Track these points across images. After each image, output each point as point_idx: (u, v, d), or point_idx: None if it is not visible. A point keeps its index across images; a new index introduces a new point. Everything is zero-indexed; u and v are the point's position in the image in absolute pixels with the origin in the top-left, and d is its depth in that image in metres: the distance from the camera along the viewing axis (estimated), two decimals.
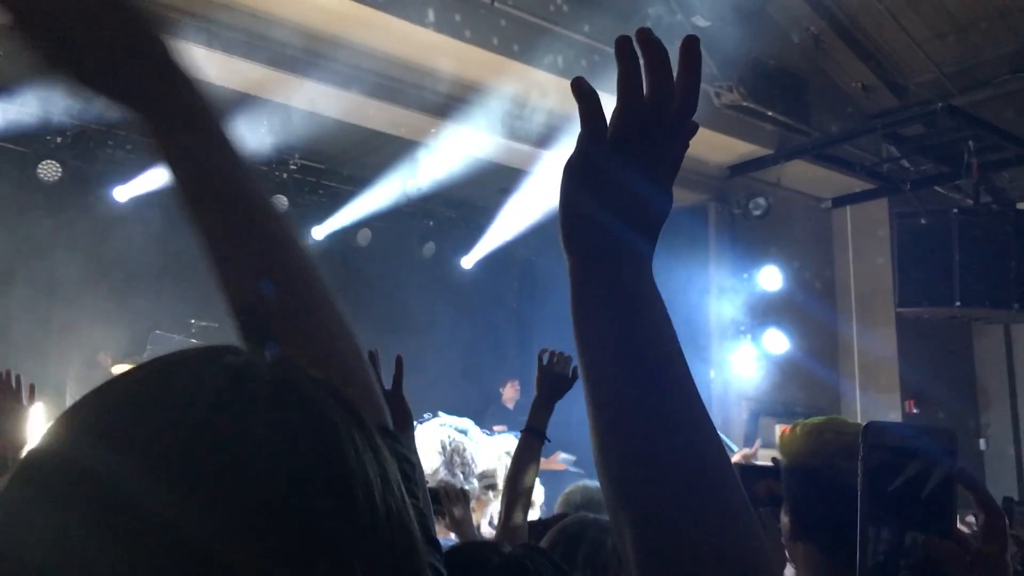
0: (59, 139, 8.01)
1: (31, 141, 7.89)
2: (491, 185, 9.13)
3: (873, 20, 8.50)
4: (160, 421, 0.54)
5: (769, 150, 9.05)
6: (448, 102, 7.45)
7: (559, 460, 8.06)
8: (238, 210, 0.89)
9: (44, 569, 0.50)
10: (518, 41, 7.20)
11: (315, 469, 0.55)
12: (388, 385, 2.30)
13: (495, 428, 7.57)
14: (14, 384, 2.62)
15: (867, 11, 8.39)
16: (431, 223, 10.36)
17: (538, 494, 3.52)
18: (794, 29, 8.61)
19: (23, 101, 7.38)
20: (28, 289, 7.91)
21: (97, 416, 0.56)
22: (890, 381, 9.80)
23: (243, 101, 7.09)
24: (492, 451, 3.76)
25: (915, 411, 9.53)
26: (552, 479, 6.82)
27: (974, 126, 8.33)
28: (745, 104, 8.36)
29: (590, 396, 0.81)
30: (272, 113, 7.45)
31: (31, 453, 0.56)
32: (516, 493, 2.73)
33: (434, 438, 3.48)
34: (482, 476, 3.58)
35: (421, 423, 3.92)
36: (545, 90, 7.31)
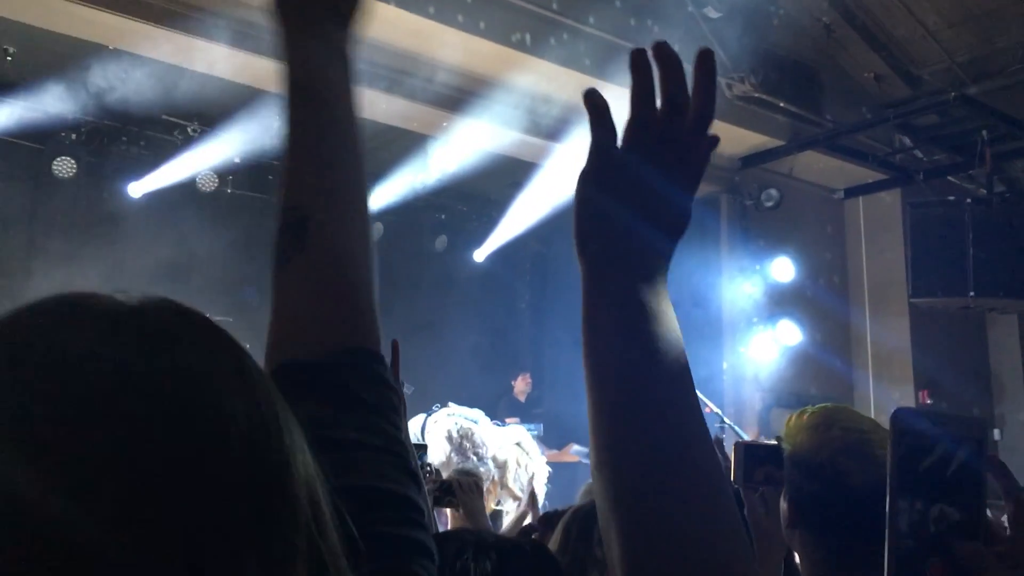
0: (73, 136, 8.05)
1: (46, 138, 7.93)
2: (503, 178, 9.13)
3: (885, 10, 8.46)
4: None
5: (781, 141, 9.02)
6: (459, 95, 7.45)
7: (572, 452, 8.07)
8: (339, 123, 0.99)
9: None
10: (528, 33, 7.20)
11: (172, 420, 0.51)
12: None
13: (507, 420, 7.59)
14: None
15: (879, 0, 8.35)
16: (443, 216, 10.37)
17: (539, 486, 3.53)
18: (806, 19, 8.57)
19: (37, 98, 7.42)
20: (44, 285, 7.96)
21: None
22: (903, 372, 9.77)
23: (254, 95, 7.11)
24: (503, 441, 3.78)
25: (928, 402, 9.50)
26: (565, 471, 6.84)
27: (987, 115, 8.28)
28: (757, 95, 8.33)
29: (592, 399, 0.81)
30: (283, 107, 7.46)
31: None
32: None
33: (442, 427, 3.49)
34: (492, 461, 3.60)
35: (431, 414, 3.94)
36: (556, 83, 7.30)
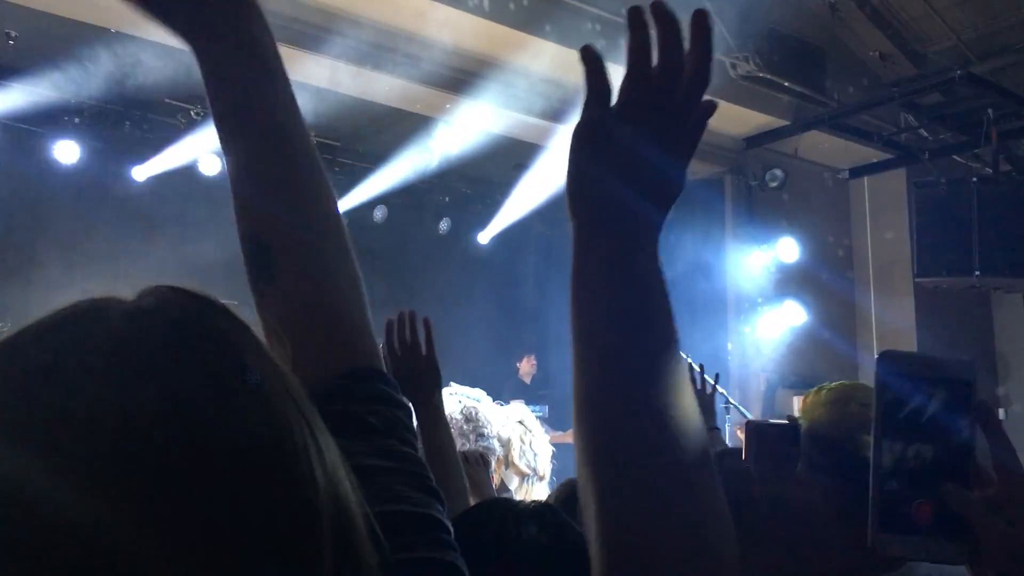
0: (76, 119, 8.04)
1: (48, 121, 7.92)
2: (507, 160, 9.11)
3: None
4: (30, 395, 0.50)
5: (785, 121, 8.98)
6: (463, 77, 7.43)
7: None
8: (273, 138, 0.91)
9: None
10: (532, 14, 7.16)
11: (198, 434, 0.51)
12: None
13: (512, 402, 7.60)
14: None
15: None
16: (447, 199, 10.36)
17: (545, 464, 3.53)
18: None
19: (39, 82, 7.41)
20: (48, 270, 7.97)
21: None
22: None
23: None
24: (505, 419, 3.77)
25: None
26: (570, 452, 6.86)
27: (993, 93, 8.23)
28: (761, 75, 8.29)
29: (577, 359, 0.80)
30: None
31: None
32: None
33: (447, 407, 3.48)
34: (496, 439, 3.60)
35: None
36: (560, 63, 7.27)
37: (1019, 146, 9.58)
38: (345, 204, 9.46)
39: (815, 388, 1.80)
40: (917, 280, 8.50)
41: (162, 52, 6.75)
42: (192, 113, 8.11)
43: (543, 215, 9.88)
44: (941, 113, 9.12)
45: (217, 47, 0.93)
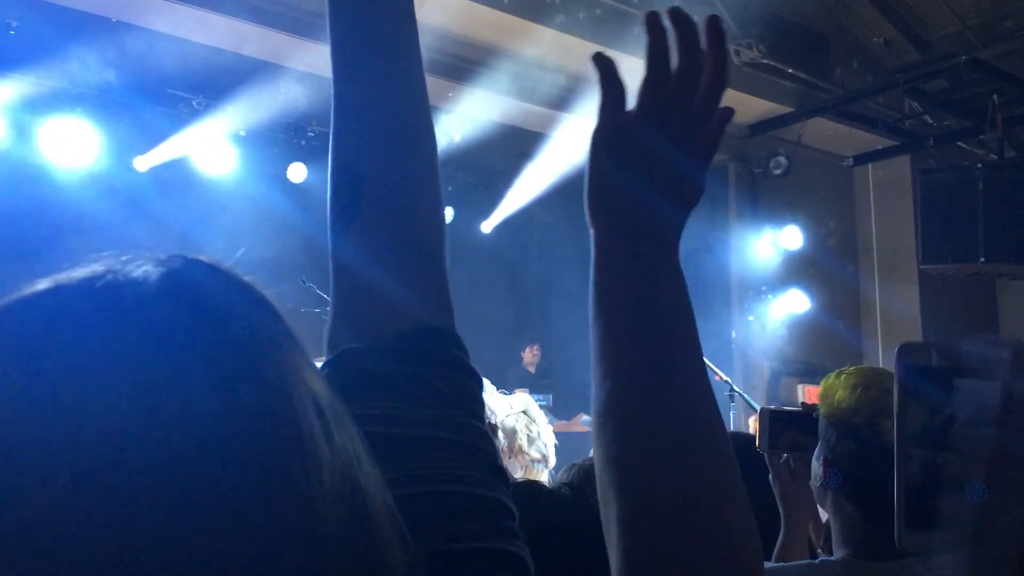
0: (78, 109, 8.02)
1: (49, 111, 7.91)
2: (509, 149, 9.09)
3: None
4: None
5: (789, 108, 8.95)
6: (465, 65, 7.40)
7: (581, 423, 8.09)
8: (398, 78, 0.88)
9: None
10: (533, 0, 7.13)
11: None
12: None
13: (516, 391, 7.60)
14: None
15: None
16: (449, 188, 10.32)
17: (549, 453, 3.53)
18: None
19: (40, 72, 7.39)
20: (53, 264, 7.96)
21: None
22: (913, 339, 9.73)
23: (259, 68, 7.07)
24: (509, 408, 3.77)
25: None
26: (574, 441, 6.85)
27: (998, 80, 8.19)
28: (765, 62, 8.25)
29: (598, 366, 0.80)
30: (288, 80, 7.43)
31: None
32: None
33: None
34: (501, 429, 3.60)
35: None
36: (563, 51, 7.25)
37: None
38: None
39: (835, 372, 1.80)
40: (922, 267, 8.48)
41: (162, 41, 6.73)
42: (194, 103, 8.08)
43: (546, 204, 9.86)
44: (946, 99, 9.08)
45: None
